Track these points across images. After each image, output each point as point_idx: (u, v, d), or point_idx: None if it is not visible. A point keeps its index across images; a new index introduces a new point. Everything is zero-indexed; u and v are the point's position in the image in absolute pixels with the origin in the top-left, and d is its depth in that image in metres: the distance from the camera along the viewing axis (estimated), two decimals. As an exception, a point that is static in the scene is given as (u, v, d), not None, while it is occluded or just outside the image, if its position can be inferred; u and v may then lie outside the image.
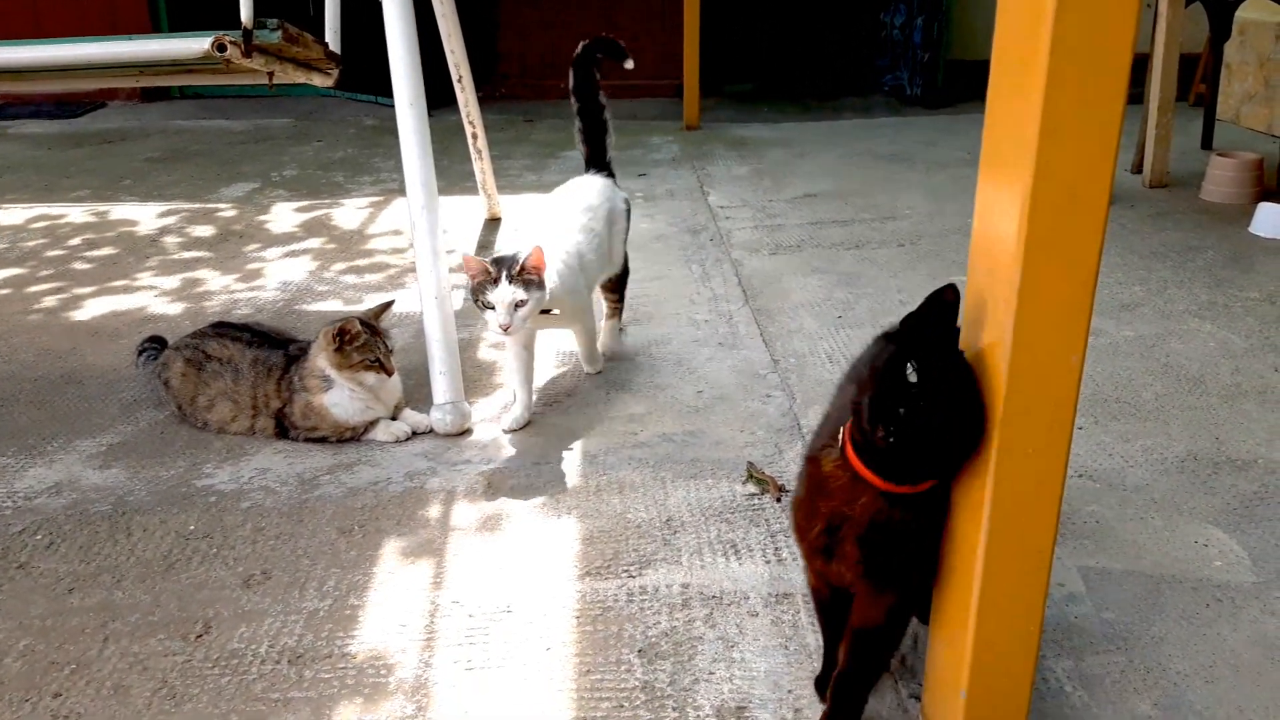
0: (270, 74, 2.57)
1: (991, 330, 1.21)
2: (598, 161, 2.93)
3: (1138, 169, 4.61)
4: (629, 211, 2.92)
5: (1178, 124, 4.56)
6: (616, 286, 2.96)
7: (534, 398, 2.61)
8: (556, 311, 2.50)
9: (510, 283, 2.31)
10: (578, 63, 2.88)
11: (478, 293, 2.35)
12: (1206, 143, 5.08)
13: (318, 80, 2.80)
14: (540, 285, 2.36)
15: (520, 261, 2.34)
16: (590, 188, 2.82)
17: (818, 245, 3.91)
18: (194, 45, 2.33)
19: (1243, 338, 2.92)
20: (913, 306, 1.32)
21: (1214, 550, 1.97)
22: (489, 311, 2.35)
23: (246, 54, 2.39)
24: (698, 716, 1.57)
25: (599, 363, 2.83)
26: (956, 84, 6.60)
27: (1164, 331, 2.98)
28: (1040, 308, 1.14)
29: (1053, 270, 1.13)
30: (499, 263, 2.34)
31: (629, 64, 2.96)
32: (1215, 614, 1.79)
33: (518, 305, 2.33)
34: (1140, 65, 4.35)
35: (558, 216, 2.68)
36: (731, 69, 7.17)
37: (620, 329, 3.05)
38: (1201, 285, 3.34)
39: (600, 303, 2.98)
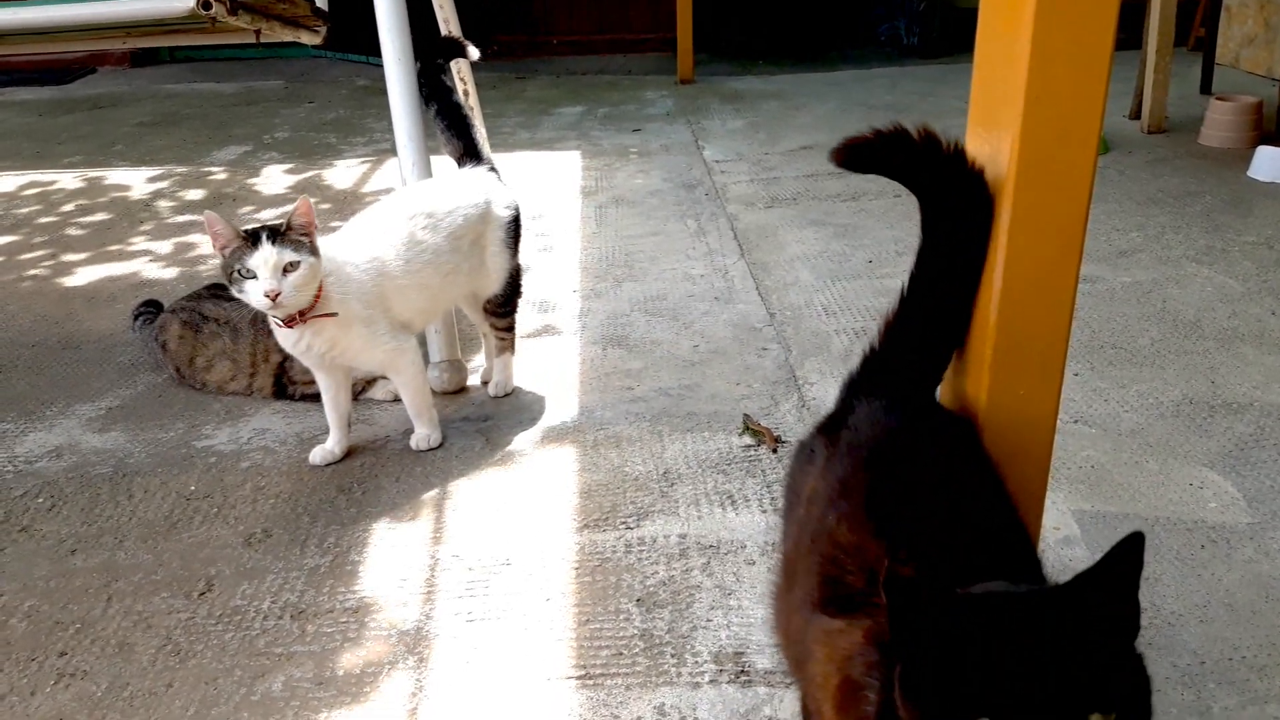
0: (257, 31, 2.54)
1: (984, 270, 1.21)
2: (472, 154, 2.42)
3: (1135, 115, 4.57)
4: (518, 216, 2.39)
5: (1176, 69, 4.52)
6: (501, 310, 2.42)
7: (350, 429, 2.27)
8: (337, 313, 2.04)
9: (275, 242, 1.92)
10: (423, 64, 2.42)
11: (232, 262, 1.94)
12: (1205, 87, 5.03)
13: (305, 38, 2.77)
14: (313, 250, 1.97)
15: (287, 219, 1.96)
16: (441, 187, 2.31)
17: (814, 198, 3.89)
18: (179, 4, 2.31)
19: (1240, 282, 2.91)
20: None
21: (1209, 492, 1.98)
22: (249, 283, 1.93)
23: (232, 11, 2.36)
24: (695, 662, 1.59)
25: (434, 427, 2.26)
26: (954, 33, 6.53)
27: (1161, 277, 2.98)
28: (1032, 245, 1.14)
29: (1044, 210, 1.12)
30: (256, 231, 1.96)
31: (473, 53, 2.53)
32: (1210, 555, 1.80)
33: (287, 269, 1.92)
34: (1138, 10, 4.31)
35: (365, 221, 2.22)
36: (726, 22, 7.09)
37: (511, 364, 2.51)
38: (1199, 230, 3.33)
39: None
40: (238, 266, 1.93)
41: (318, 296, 2.00)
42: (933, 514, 1.03)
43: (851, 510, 1.05)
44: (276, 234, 1.93)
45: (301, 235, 1.95)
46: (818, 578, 1.05)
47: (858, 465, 1.12)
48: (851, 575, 1.01)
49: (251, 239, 1.93)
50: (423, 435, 2.25)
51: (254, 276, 1.92)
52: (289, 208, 3.96)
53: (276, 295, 1.91)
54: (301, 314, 2.00)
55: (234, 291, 1.98)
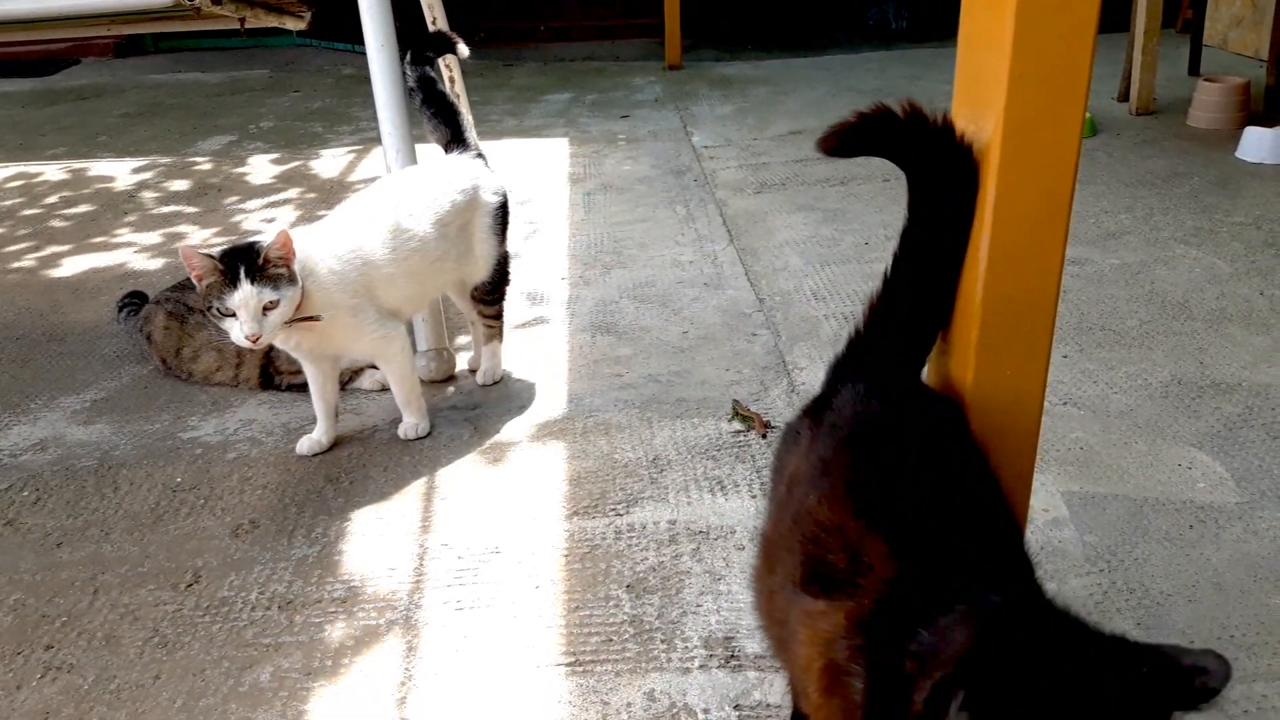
0: (242, 19, 2.52)
1: (968, 250, 1.20)
2: (458, 141, 2.40)
3: (1124, 97, 4.56)
4: (505, 202, 2.38)
5: (1164, 50, 4.51)
6: (489, 297, 2.41)
7: (338, 419, 2.26)
8: (324, 318, 2.01)
9: (254, 281, 1.86)
10: (412, 60, 2.41)
11: (210, 297, 1.89)
12: (1194, 68, 5.02)
13: (290, 24, 2.75)
14: (292, 280, 1.91)
15: (262, 251, 1.89)
16: (427, 173, 2.29)
17: (803, 183, 3.87)
18: (165, -6, 2.30)
19: (1228, 262, 2.91)
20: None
21: (1198, 472, 1.98)
22: (229, 320, 1.90)
23: (216, 1, 2.35)
24: (685, 647, 1.59)
25: (422, 416, 2.25)
26: (942, 16, 6.51)
27: (1150, 259, 2.97)
28: (1016, 226, 1.13)
29: (1028, 191, 1.11)
30: (233, 255, 1.89)
31: (463, 50, 2.50)
32: (1198, 535, 1.80)
33: (267, 308, 1.89)
34: (1126, -9, 4.29)
35: (350, 209, 2.18)
36: (714, 7, 7.06)
37: (499, 352, 2.49)
38: (1188, 211, 3.33)
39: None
40: (217, 305, 1.89)
41: (300, 302, 1.97)
42: (915, 493, 1.03)
43: (832, 489, 1.05)
44: (254, 268, 1.87)
45: (279, 268, 1.90)
46: (800, 558, 1.04)
47: (839, 445, 1.11)
48: (833, 554, 1.00)
49: (229, 272, 1.87)
50: (411, 424, 2.24)
51: (233, 315, 1.89)
52: (275, 198, 3.97)
53: (257, 339, 1.89)
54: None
55: (213, 321, 1.95)
